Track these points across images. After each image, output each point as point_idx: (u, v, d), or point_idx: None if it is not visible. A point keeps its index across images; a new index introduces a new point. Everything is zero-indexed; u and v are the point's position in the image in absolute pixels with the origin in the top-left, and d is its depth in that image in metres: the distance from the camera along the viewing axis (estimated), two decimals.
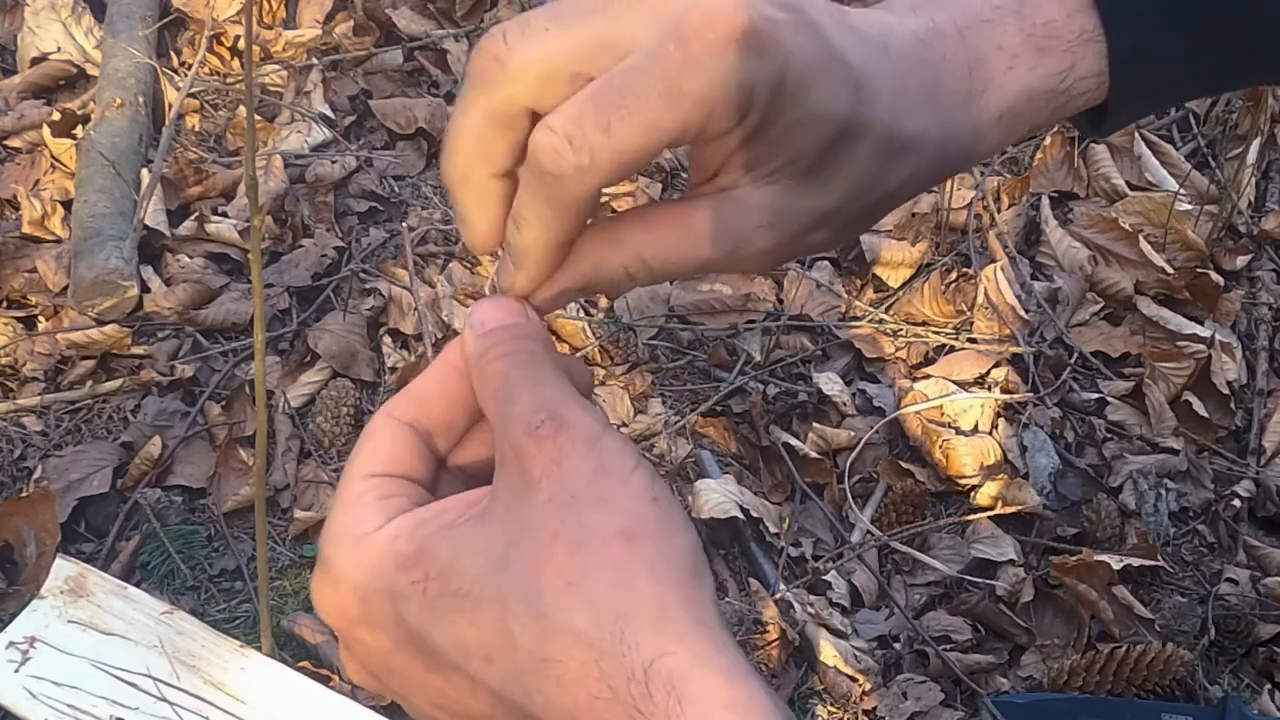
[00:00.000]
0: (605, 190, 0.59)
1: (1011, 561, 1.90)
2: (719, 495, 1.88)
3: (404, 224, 2.24)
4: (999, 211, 2.37)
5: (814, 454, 1.98)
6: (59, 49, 2.47)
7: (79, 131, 2.27)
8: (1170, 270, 2.24)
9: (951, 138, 0.57)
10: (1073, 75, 0.59)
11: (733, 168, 0.54)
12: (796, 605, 1.80)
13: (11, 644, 1.64)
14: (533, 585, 0.49)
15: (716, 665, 0.47)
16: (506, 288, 0.57)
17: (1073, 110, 0.61)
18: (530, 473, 0.50)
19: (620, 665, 0.47)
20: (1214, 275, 2.24)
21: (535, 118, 0.52)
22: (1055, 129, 2.44)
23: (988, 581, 1.87)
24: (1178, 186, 2.36)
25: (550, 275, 0.56)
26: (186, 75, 2.40)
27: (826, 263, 2.27)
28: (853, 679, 1.74)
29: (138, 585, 1.73)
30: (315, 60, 2.51)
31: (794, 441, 1.99)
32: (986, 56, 0.58)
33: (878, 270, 2.25)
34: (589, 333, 2.09)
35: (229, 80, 2.49)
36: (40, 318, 2.07)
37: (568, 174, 0.51)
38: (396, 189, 2.37)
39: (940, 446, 2.00)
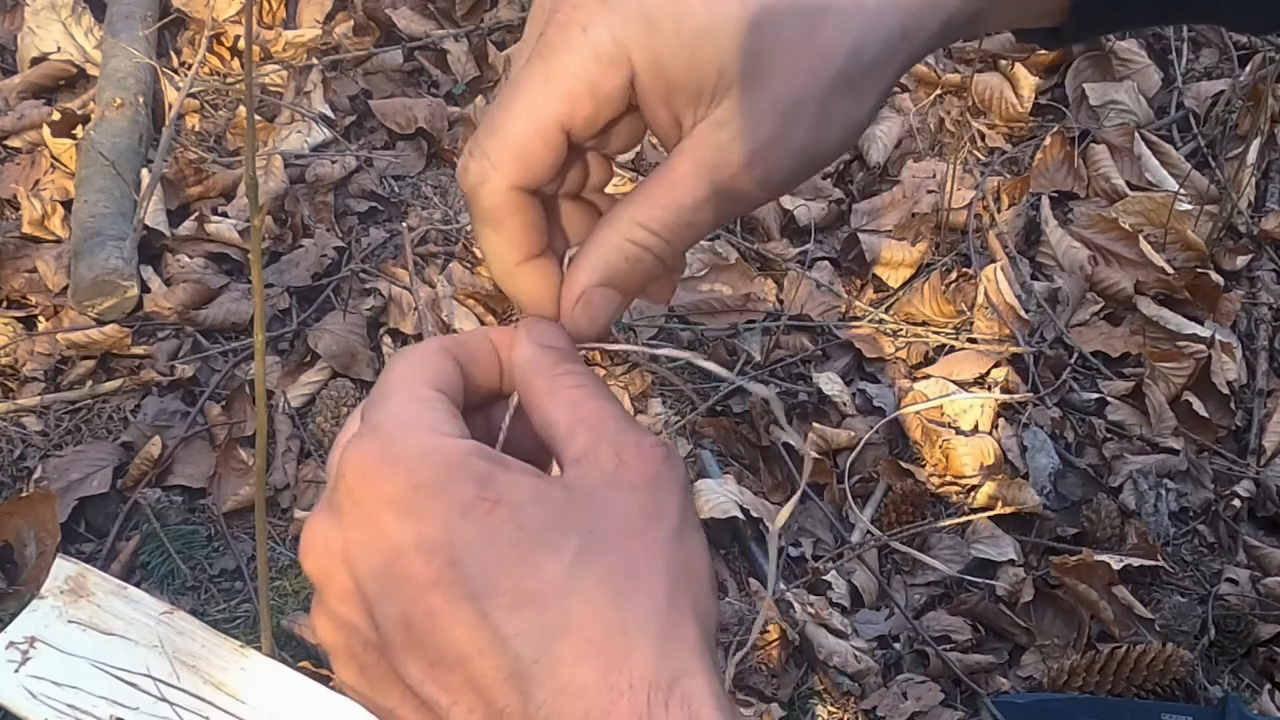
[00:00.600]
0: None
1: (1011, 561, 1.90)
2: (719, 495, 1.88)
3: (404, 224, 2.24)
4: (999, 211, 2.37)
5: (814, 454, 1.98)
6: (59, 49, 2.47)
7: (79, 131, 2.27)
8: (1170, 270, 2.24)
9: None
10: None
11: (681, 115, 0.54)
12: (796, 605, 1.80)
13: (11, 644, 1.64)
14: (599, 563, 0.49)
15: (723, 705, 0.49)
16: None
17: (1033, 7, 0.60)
18: (630, 476, 0.51)
19: (647, 669, 0.48)
20: (1214, 275, 2.24)
21: (529, 195, 0.55)
22: (1055, 129, 2.44)
23: (988, 581, 1.87)
24: (1178, 186, 2.36)
25: (548, 292, 0.57)
26: (186, 75, 2.40)
27: (826, 263, 2.28)
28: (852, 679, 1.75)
29: (138, 585, 1.73)
30: (315, 60, 2.51)
31: (794, 441, 1.99)
32: None
33: (878, 270, 2.25)
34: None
35: (229, 80, 2.49)
36: (40, 318, 2.07)
37: (477, 182, 0.54)
38: (396, 189, 2.37)
39: (940, 446, 2.00)
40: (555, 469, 0.55)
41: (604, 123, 0.54)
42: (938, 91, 2.53)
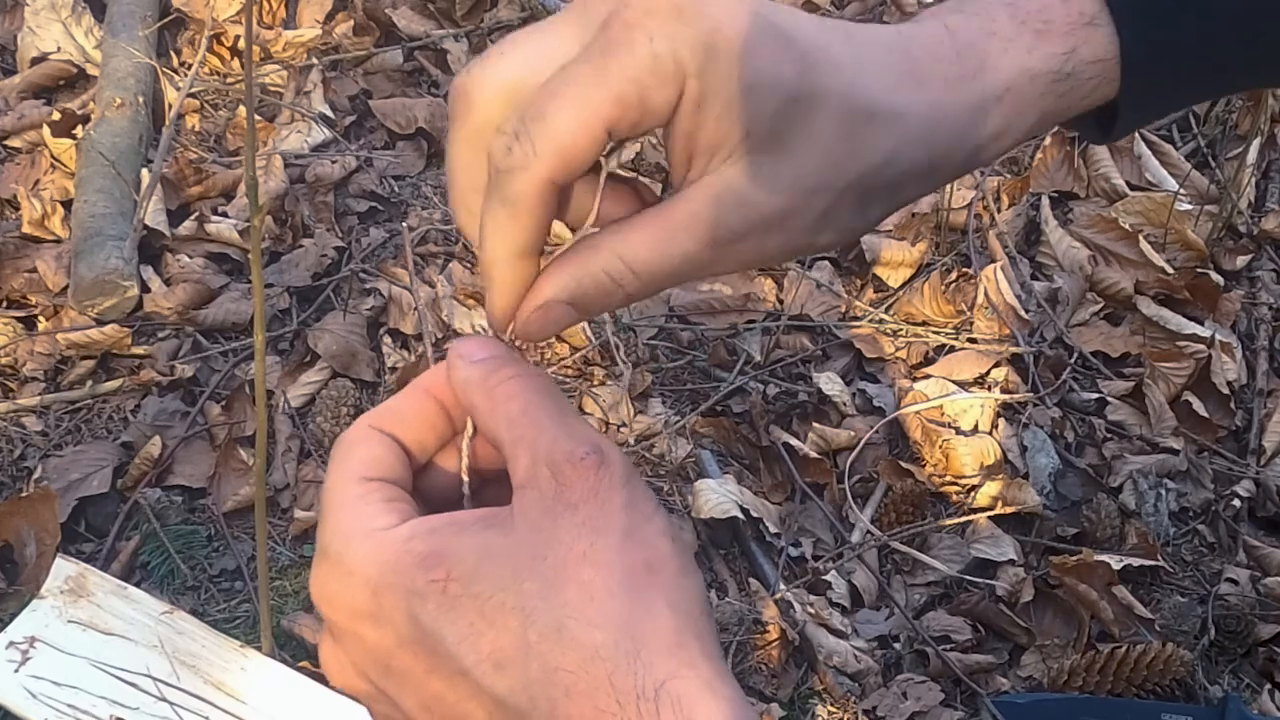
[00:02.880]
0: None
1: (1011, 561, 1.90)
2: (719, 495, 1.88)
3: (404, 224, 2.24)
4: (999, 211, 2.37)
5: (814, 454, 1.98)
6: (59, 49, 2.47)
7: (79, 131, 2.27)
8: (1170, 270, 2.24)
9: (941, 117, 0.56)
10: (1075, 58, 0.58)
11: (699, 155, 0.54)
12: (796, 605, 1.80)
13: (11, 644, 1.64)
14: (556, 597, 0.50)
15: (722, 694, 0.49)
16: (489, 311, 0.58)
17: (1082, 101, 0.60)
18: (568, 496, 0.52)
19: (632, 683, 0.49)
20: (1214, 275, 2.24)
21: (559, 189, 0.54)
22: (1056, 130, 2.44)
23: (988, 581, 1.87)
24: (1178, 186, 2.36)
25: (520, 291, 0.56)
26: (186, 75, 2.40)
27: (826, 263, 2.28)
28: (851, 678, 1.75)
29: (138, 585, 1.73)
30: (315, 60, 2.51)
31: (794, 441, 1.99)
32: (976, 41, 0.57)
33: (878, 270, 2.25)
34: (588, 333, 2.09)
35: (229, 80, 2.49)
36: (40, 318, 2.07)
37: (515, 166, 0.52)
38: (396, 189, 2.37)
39: (940, 446, 2.00)
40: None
41: (642, 132, 0.54)
42: None
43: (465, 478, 0.59)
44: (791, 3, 2.71)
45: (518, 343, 0.58)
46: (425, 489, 0.59)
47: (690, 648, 0.50)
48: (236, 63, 2.51)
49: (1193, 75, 0.62)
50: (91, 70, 2.44)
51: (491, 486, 0.60)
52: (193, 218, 2.20)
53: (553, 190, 0.54)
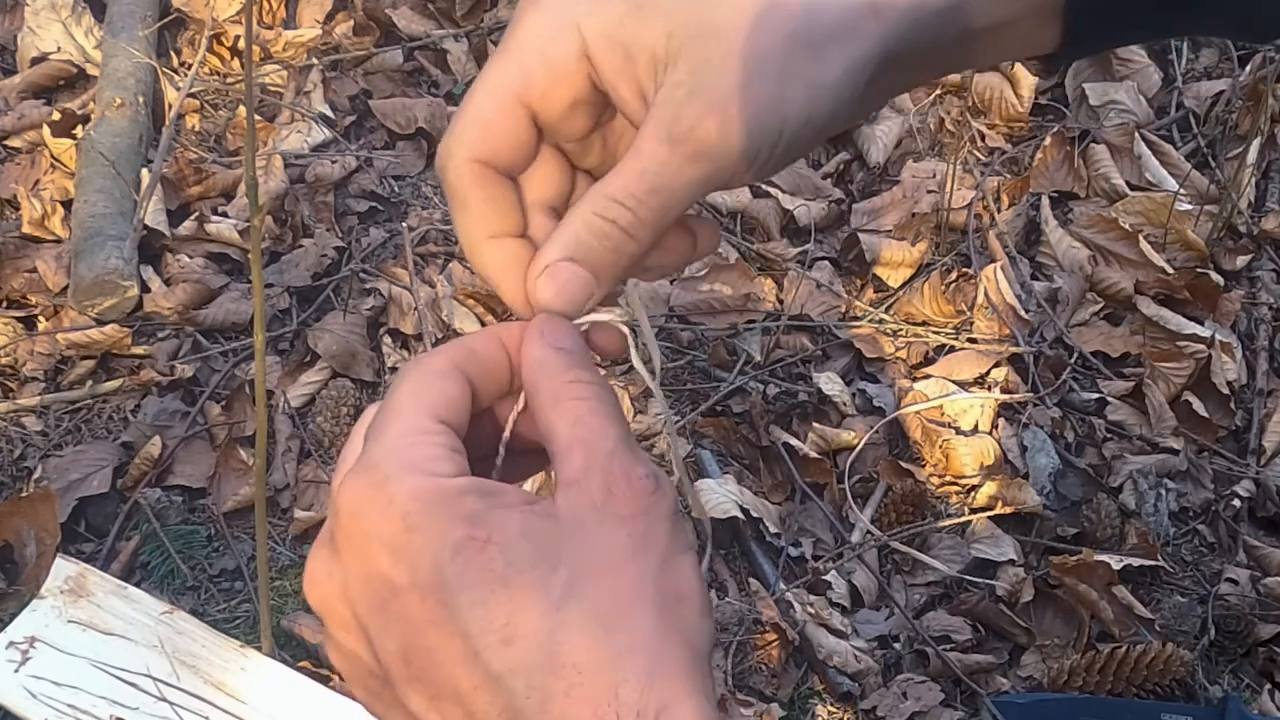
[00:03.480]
0: None
1: (1011, 561, 1.90)
2: (719, 495, 1.88)
3: (404, 224, 2.24)
4: (999, 211, 2.37)
5: (814, 454, 1.98)
6: (59, 49, 2.47)
7: (79, 131, 2.27)
8: (1170, 270, 2.24)
9: (881, 13, 0.56)
10: None
11: (647, 86, 0.55)
12: (796, 605, 1.80)
13: (11, 644, 1.64)
14: (589, 596, 0.50)
15: None
16: (508, 305, 0.59)
17: (1025, 18, 0.60)
18: (618, 508, 0.52)
19: (636, 698, 0.49)
20: (1214, 275, 2.24)
21: (490, 169, 0.57)
22: (1055, 129, 2.44)
23: (988, 581, 1.87)
24: (1178, 186, 2.36)
25: (515, 269, 0.57)
26: (186, 75, 2.40)
27: (827, 263, 2.28)
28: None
29: (138, 585, 1.73)
30: (315, 60, 2.51)
31: (794, 441, 1.99)
32: None
33: (878, 270, 2.25)
34: None
35: (229, 80, 2.49)
36: (40, 318, 2.07)
37: (443, 160, 0.57)
38: (396, 189, 2.37)
39: (940, 446, 2.00)
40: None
41: (566, 101, 0.55)
42: (938, 91, 2.53)
43: (502, 450, 0.58)
44: None
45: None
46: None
47: (698, 682, 0.50)
48: (236, 63, 2.51)
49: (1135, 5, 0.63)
50: (91, 70, 2.44)
51: (511, 459, 0.59)
52: (193, 218, 2.20)
53: (484, 170, 0.55)
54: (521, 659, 0.49)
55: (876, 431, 2.02)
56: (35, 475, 1.87)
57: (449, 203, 0.57)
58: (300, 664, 1.69)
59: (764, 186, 2.32)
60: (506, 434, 0.58)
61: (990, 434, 2.04)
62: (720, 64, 0.54)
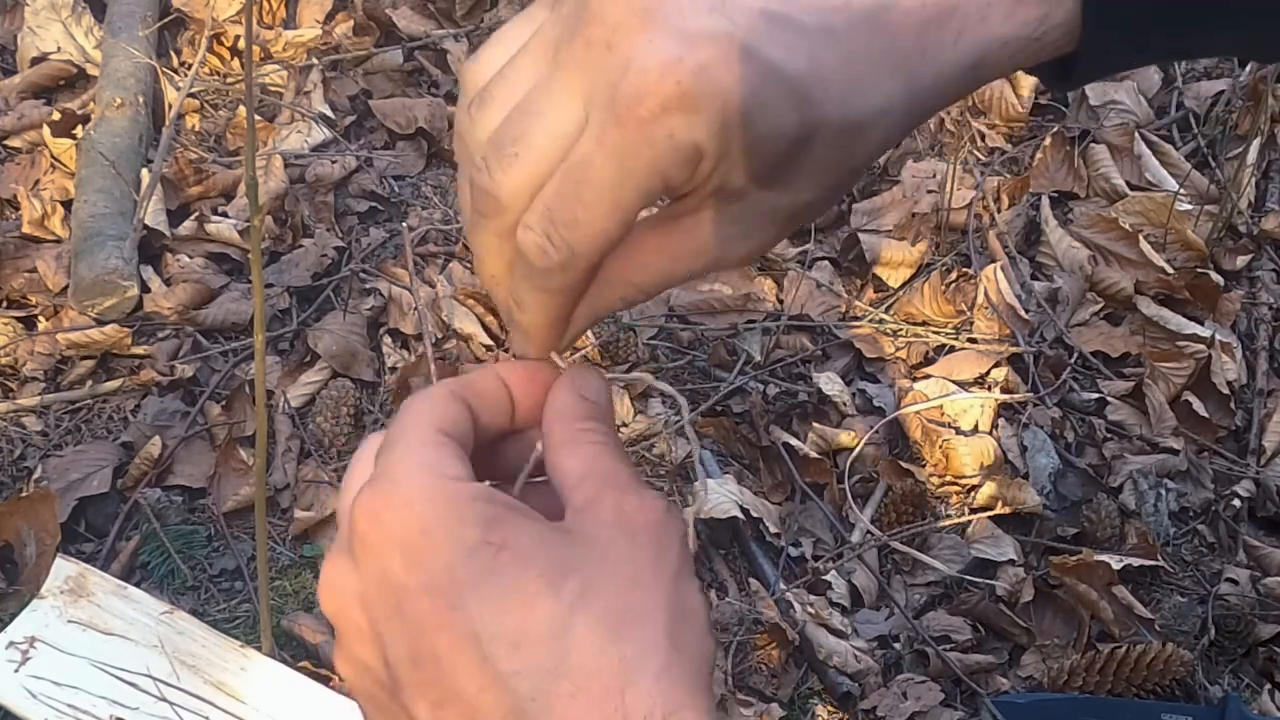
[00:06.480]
0: None
1: (1011, 561, 1.90)
2: (719, 495, 1.88)
3: (404, 224, 2.24)
4: (999, 211, 2.37)
5: (814, 454, 1.98)
6: (59, 49, 2.47)
7: (79, 131, 2.27)
8: (1170, 270, 2.24)
9: (917, 95, 0.56)
10: (1047, 23, 0.58)
11: (699, 191, 0.55)
12: (796, 605, 1.80)
13: (11, 644, 1.64)
14: (598, 603, 0.50)
15: None
16: (520, 354, 0.59)
17: (1040, 57, 0.59)
18: (630, 524, 0.53)
19: (641, 705, 0.49)
20: (1214, 275, 2.24)
21: None
22: (1055, 129, 2.44)
23: (988, 581, 1.87)
24: (1178, 186, 2.36)
25: (558, 340, 0.59)
26: (186, 75, 2.40)
27: (827, 263, 2.28)
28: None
29: (138, 585, 1.73)
30: (315, 60, 2.51)
31: (794, 441, 1.99)
32: (958, 6, 0.57)
33: (878, 270, 2.25)
34: (589, 333, 2.09)
35: (229, 80, 2.49)
36: (40, 318, 2.07)
37: (555, 267, 0.54)
38: (396, 189, 2.37)
39: (940, 446, 2.00)
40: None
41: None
42: None
43: (521, 479, 0.59)
44: None
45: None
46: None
47: (701, 695, 0.51)
48: (236, 63, 2.51)
49: (1150, 35, 0.62)
50: (91, 70, 2.44)
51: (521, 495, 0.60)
52: (193, 218, 2.20)
53: (594, 268, 0.56)
54: (529, 661, 0.50)
55: (876, 431, 2.02)
56: (35, 475, 1.87)
57: (534, 291, 0.57)
58: (300, 664, 1.69)
59: None
60: (529, 466, 0.59)
61: (990, 434, 2.04)
62: (780, 220, 0.56)
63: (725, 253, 0.56)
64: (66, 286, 2.07)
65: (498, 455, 0.60)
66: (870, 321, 2.18)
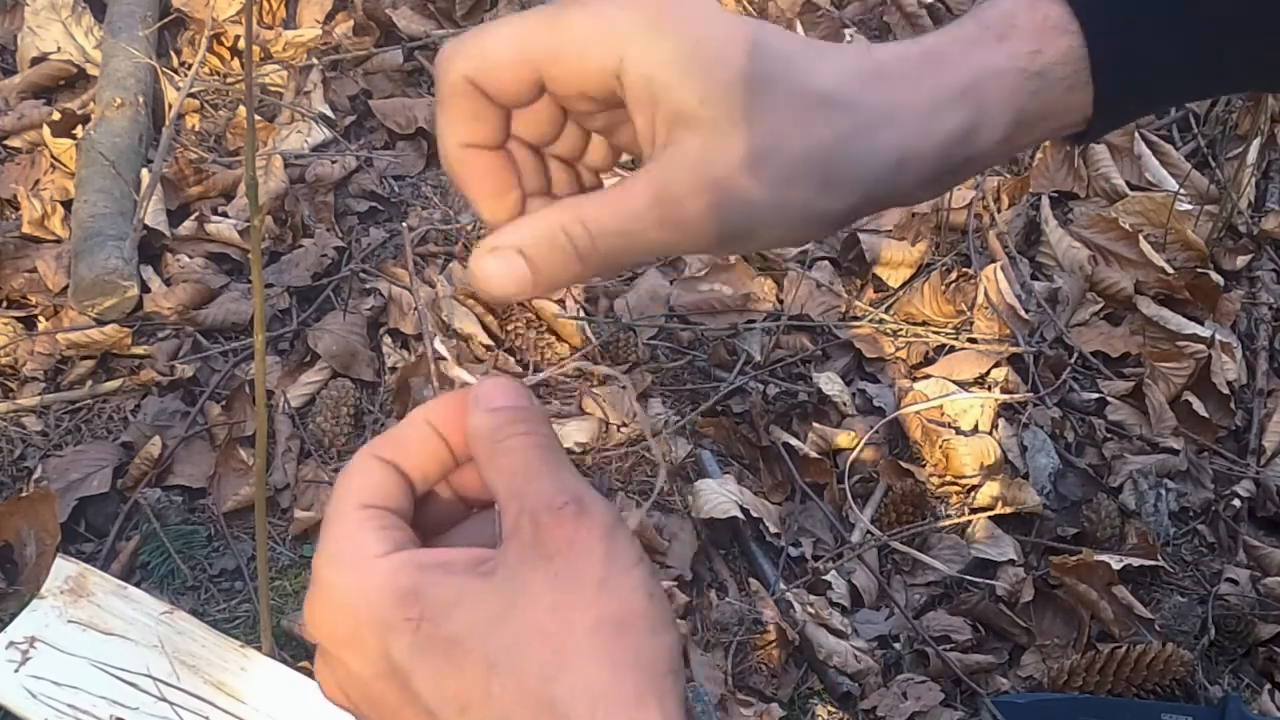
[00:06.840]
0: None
1: (1011, 561, 1.90)
2: (719, 495, 1.88)
3: (404, 224, 2.24)
4: (999, 211, 2.37)
5: (814, 454, 1.98)
6: (59, 49, 2.47)
7: (79, 131, 2.27)
8: (1170, 270, 2.24)
9: (899, 107, 0.57)
10: (1043, 58, 0.59)
11: (659, 128, 0.55)
12: (796, 605, 1.80)
13: (11, 644, 1.64)
14: (521, 650, 0.52)
15: None
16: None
17: (1059, 102, 0.60)
18: (545, 546, 0.53)
19: None
20: (1214, 275, 2.24)
21: (480, 93, 0.57)
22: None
23: (988, 581, 1.87)
24: (1178, 186, 2.36)
25: (480, 182, 0.59)
26: (186, 75, 2.40)
27: (827, 263, 2.28)
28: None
29: (138, 585, 1.73)
30: (315, 60, 2.51)
31: (794, 441, 1.99)
32: (940, 47, 0.59)
33: (878, 270, 2.25)
34: (589, 333, 2.09)
35: (229, 80, 2.49)
36: (40, 318, 2.06)
37: (441, 65, 0.57)
38: (396, 189, 2.37)
39: (940, 446, 2.00)
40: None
41: (578, 91, 0.56)
42: None
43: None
44: (792, 2, 2.70)
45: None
46: (427, 518, 0.60)
47: (650, 708, 0.51)
48: (236, 63, 2.51)
49: (1165, 83, 0.63)
50: (91, 70, 2.44)
51: (483, 518, 0.62)
52: (193, 218, 2.20)
53: (472, 89, 0.56)
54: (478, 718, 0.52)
55: (876, 431, 2.02)
56: (35, 475, 1.87)
57: (437, 111, 0.58)
58: (300, 664, 1.69)
59: None
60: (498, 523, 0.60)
61: (990, 434, 2.04)
62: (733, 152, 0.54)
63: (672, 181, 0.56)
64: (66, 286, 2.07)
65: (465, 477, 0.61)
66: (870, 321, 2.18)
